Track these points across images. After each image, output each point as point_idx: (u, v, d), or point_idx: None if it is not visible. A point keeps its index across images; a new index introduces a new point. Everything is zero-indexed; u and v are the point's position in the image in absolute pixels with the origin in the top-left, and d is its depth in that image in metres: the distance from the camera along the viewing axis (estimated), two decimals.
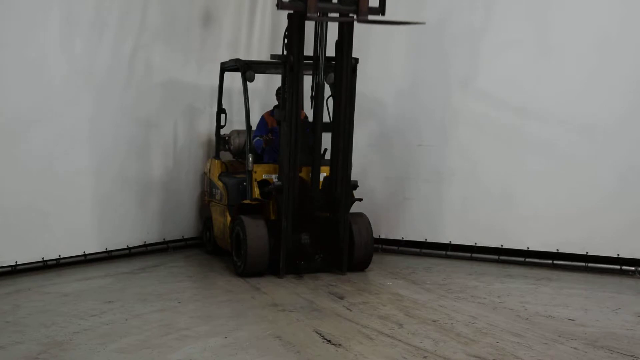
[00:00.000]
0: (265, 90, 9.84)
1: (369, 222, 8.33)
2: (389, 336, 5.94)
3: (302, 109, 9.11)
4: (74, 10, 8.11)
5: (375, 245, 8.73)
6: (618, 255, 8.32)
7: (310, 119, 8.29)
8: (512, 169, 8.77)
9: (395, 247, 9.50)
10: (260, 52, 10.05)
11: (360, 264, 8.26)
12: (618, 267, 8.33)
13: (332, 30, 8.02)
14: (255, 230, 7.84)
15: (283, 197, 7.81)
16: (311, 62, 8.41)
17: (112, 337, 5.84)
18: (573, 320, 6.48)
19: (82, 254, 8.46)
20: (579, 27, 8.37)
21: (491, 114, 8.85)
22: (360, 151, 8.67)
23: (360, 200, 8.27)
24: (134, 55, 8.77)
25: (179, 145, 9.48)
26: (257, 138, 8.60)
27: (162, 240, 9.39)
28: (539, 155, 8.62)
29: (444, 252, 9.23)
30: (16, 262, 7.80)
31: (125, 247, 8.95)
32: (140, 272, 8.25)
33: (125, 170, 8.86)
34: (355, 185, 8.18)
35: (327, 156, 8.60)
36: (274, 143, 8.49)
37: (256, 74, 8.39)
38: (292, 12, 7.54)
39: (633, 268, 8.27)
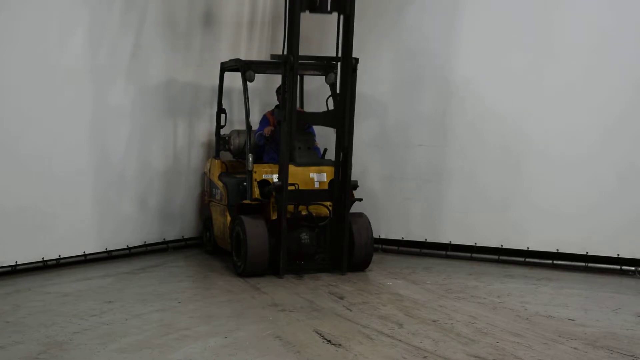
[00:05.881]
0: (265, 90, 9.83)
1: (369, 222, 8.33)
2: (389, 336, 5.94)
3: (303, 108, 9.16)
4: (74, 10, 8.11)
5: (375, 245, 8.73)
6: (618, 255, 8.32)
7: None
8: (512, 169, 8.77)
9: (395, 247, 9.50)
10: (260, 52, 10.05)
11: (360, 264, 8.26)
12: (618, 267, 8.33)
13: (332, 30, 8.03)
14: (255, 230, 7.84)
15: (282, 197, 7.81)
16: (311, 62, 8.43)
17: (112, 337, 5.84)
18: (573, 320, 6.49)
19: (82, 254, 8.45)
20: (579, 27, 8.37)
21: (491, 114, 8.85)
22: (360, 151, 8.67)
23: (360, 200, 8.28)
24: (134, 55, 8.76)
25: (179, 145, 9.48)
26: (258, 133, 8.62)
27: (162, 240, 9.38)
28: (538, 155, 8.62)
29: (444, 252, 9.23)
30: (16, 262, 7.79)
31: (125, 247, 8.94)
32: (140, 272, 8.25)
33: (125, 170, 8.85)
34: (355, 185, 8.18)
35: (327, 156, 8.65)
36: (275, 136, 8.46)
37: (256, 74, 8.39)
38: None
39: (633, 268, 8.27)
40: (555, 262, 8.60)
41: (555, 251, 8.60)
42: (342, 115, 8.00)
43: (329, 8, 7.83)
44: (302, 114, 8.30)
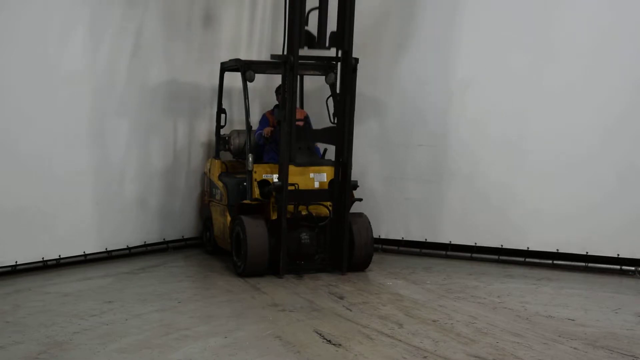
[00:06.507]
0: (265, 90, 9.83)
1: (369, 222, 8.33)
2: (389, 336, 5.94)
3: (303, 109, 9.16)
4: (74, 10, 8.12)
5: (375, 245, 8.73)
6: (618, 255, 8.31)
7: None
8: (512, 169, 8.77)
9: (395, 247, 9.50)
10: (260, 52, 10.05)
11: (360, 264, 8.26)
12: (618, 267, 8.32)
13: (332, 30, 8.02)
14: (255, 230, 7.84)
15: (282, 197, 7.81)
16: (311, 62, 8.43)
17: (112, 337, 5.84)
18: (573, 320, 6.48)
19: (82, 254, 8.46)
20: (579, 27, 8.37)
21: (491, 114, 8.85)
22: (360, 151, 8.67)
23: (360, 200, 8.28)
24: (134, 55, 8.76)
25: (179, 145, 9.48)
26: (258, 133, 8.62)
27: (162, 240, 9.39)
28: (538, 155, 8.62)
29: (444, 252, 9.23)
30: (16, 262, 7.80)
31: (125, 247, 8.95)
32: (140, 272, 8.25)
33: (125, 170, 8.85)
34: (355, 185, 8.18)
35: (327, 156, 8.65)
36: (275, 136, 8.46)
37: (256, 74, 8.39)
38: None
39: (633, 268, 8.27)
40: (555, 262, 8.60)
41: (555, 251, 8.60)
42: (342, 131, 7.97)
43: (327, 44, 7.89)
44: (301, 130, 8.25)
